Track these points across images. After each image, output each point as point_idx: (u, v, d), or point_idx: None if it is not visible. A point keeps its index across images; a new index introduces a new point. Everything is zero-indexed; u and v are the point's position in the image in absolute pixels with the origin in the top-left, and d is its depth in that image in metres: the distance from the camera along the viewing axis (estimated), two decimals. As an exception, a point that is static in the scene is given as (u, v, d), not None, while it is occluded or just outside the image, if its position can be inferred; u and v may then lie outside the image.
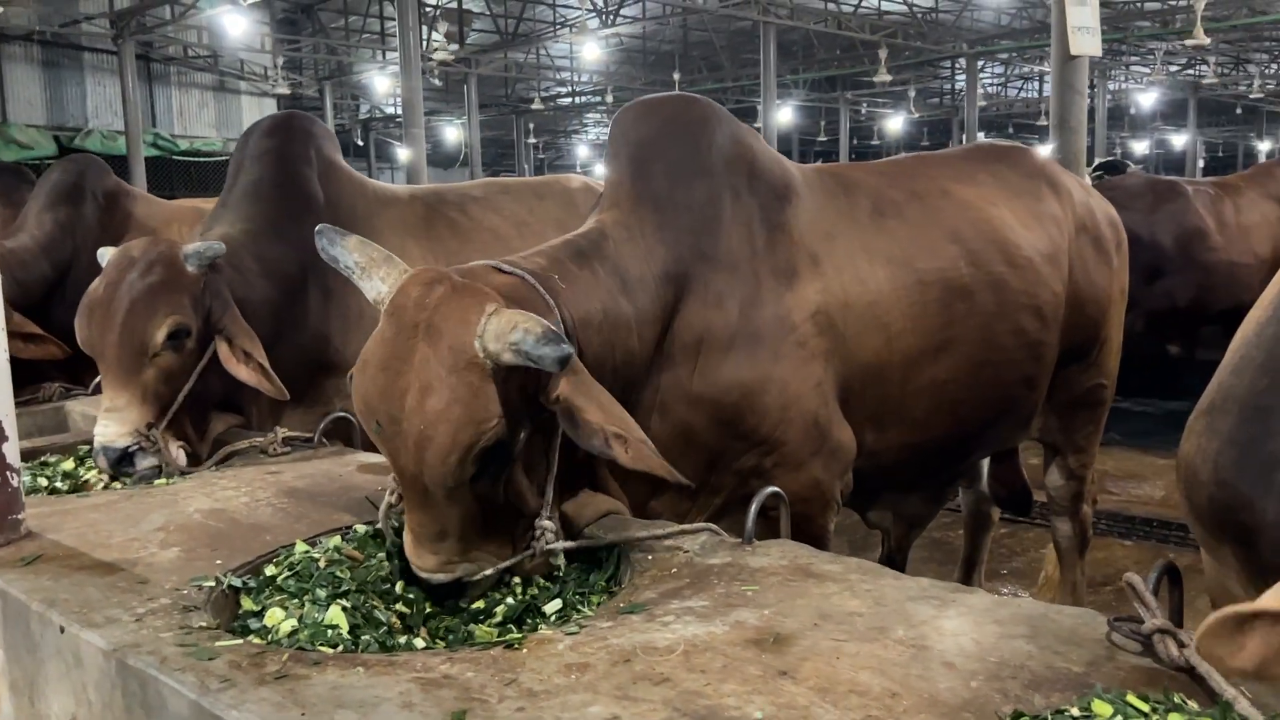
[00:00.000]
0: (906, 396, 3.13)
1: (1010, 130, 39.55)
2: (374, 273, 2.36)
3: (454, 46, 17.22)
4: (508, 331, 2.09)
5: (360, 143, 33.31)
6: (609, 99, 26.86)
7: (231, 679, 1.76)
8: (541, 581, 2.37)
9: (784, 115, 30.53)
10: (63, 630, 2.07)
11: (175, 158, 19.89)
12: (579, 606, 2.27)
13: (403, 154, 19.95)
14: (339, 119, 27.69)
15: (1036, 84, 35.05)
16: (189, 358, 3.47)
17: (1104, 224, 3.92)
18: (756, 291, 2.78)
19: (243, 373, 3.53)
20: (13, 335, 4.39)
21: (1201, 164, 38.47)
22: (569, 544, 2.36)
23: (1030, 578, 5.67)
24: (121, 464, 3.22)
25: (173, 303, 3.40)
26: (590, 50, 21.22)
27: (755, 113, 33.31)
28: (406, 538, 2.25)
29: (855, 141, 37.79)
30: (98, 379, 4.51)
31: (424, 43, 21.85)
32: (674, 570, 2.25)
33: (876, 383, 3.03)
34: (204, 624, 2.06)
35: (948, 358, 3.18)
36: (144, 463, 3.26)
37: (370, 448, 3.05)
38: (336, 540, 2.52)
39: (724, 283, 2.76)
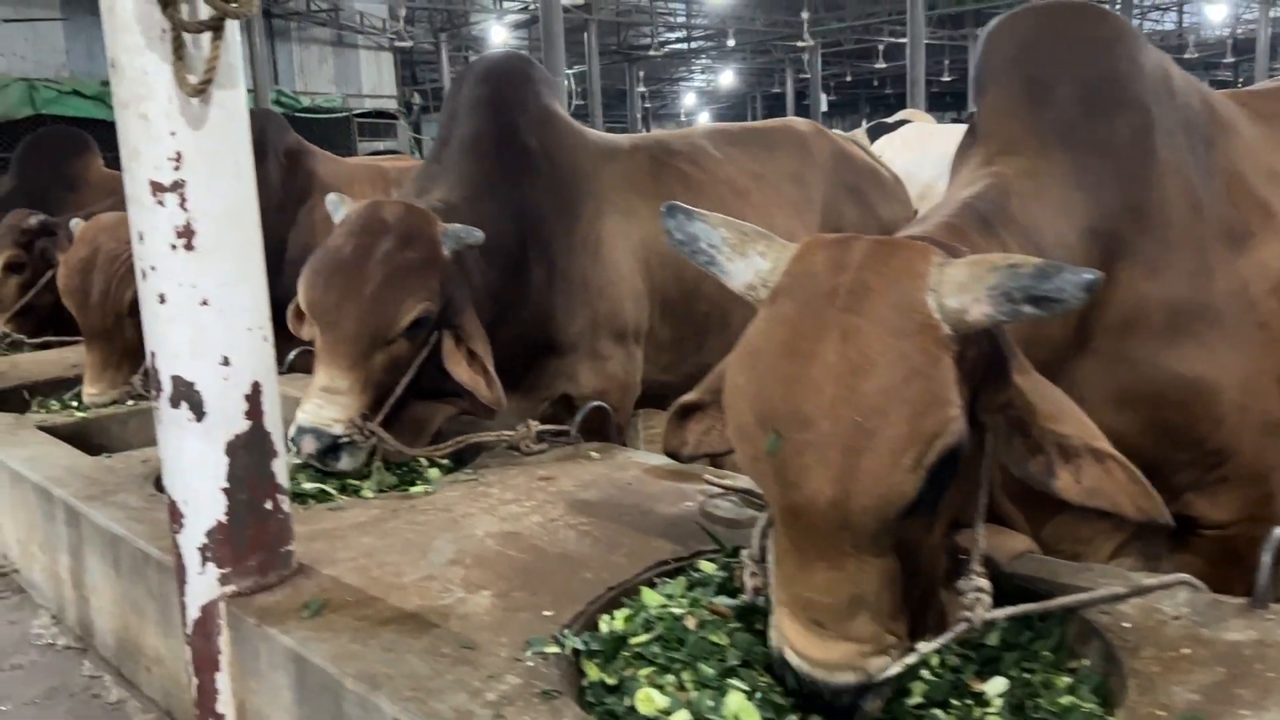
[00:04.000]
0: None
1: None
2: (749, 249, 1.77)
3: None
4: (983, 275, 1.51)
5: (471, 96, 32.82)
6: (730, 42, 25.90)
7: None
8: (955, 646, 1.80)
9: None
10: (399, 724, 1.59)
11: (297, 114, 19.74)
12: (1036, 693, 1.70)
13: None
14: (452, 71, 27.30)
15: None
16: (416, 349, 2.97)
17: None
18: (1202, 256, 2.13)
19: (464, 374, 2.99)
20: None
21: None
22: (1013, 610, 1.76)
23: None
24: (328, 455, 2.74)
25: (427, 286, 2.88)
26: (719, -10, 20.34)
27: (876, 53, 31.92)
28: (783, 618, 1.61)
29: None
30: (291, 354, 4.11)
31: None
32: (1184, 650, 1.65)
33: None
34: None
35: None
36: (349, 460, 2.78)
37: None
38: (682, 586, 2.00)
39: (1159, 245, 2.12)
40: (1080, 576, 1.94)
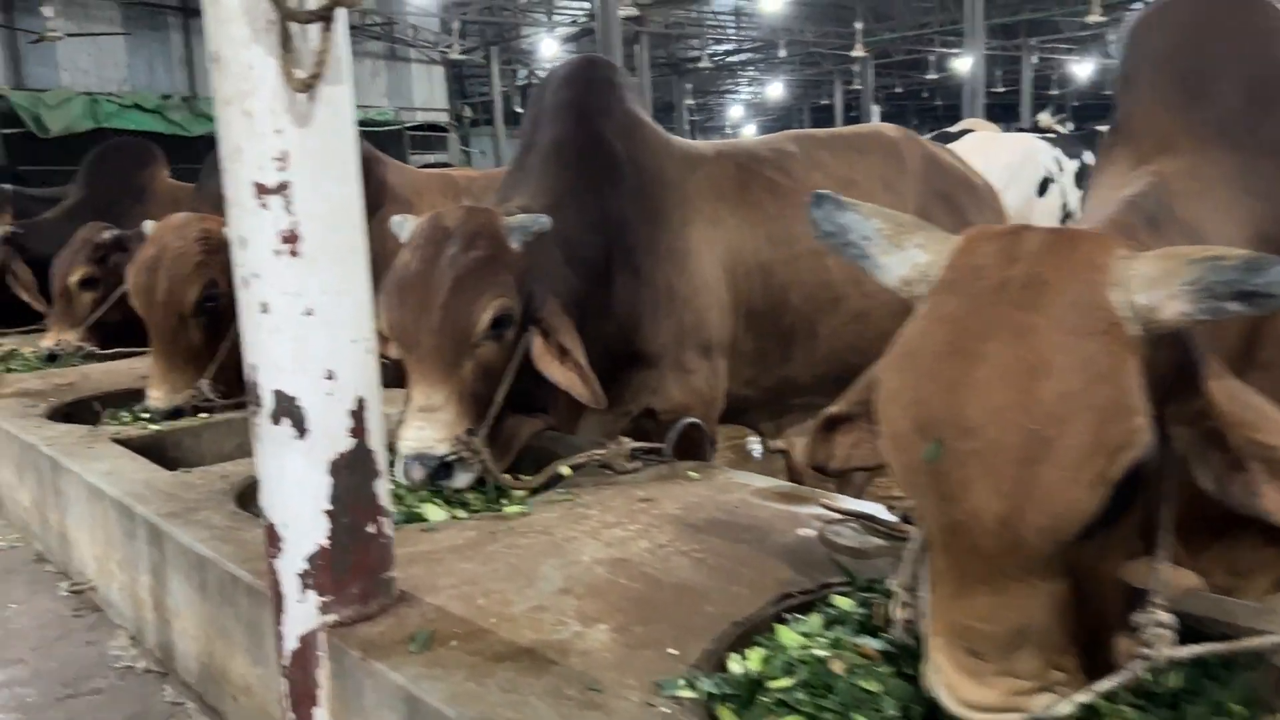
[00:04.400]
0: None
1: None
2: (906, 241, 1.61)
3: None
4: (1178, 269, 1.35)
5: (519, 109, 33.01)
6: (781, 53, 25.68)
7: None
8: (1129, 692, 1.61)
9: (962, 66, 28.71)
10: (529, 777, 1.44)
11: (350, 127, 19.86)
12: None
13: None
14: (503, 85, 27.38)
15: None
16: (506, 351, 2.86)
17: None
18: None
19: (557, 373, 2.90)
20: None
21: None
22: (1201, 649, 1.58)
23: None
24: (438, 476, 2.63)
25: (499, 282, 2.79)
26: (772, 2, 20.13)
27: (926, 64, 31.54)
28: (938, 651, 1.44)
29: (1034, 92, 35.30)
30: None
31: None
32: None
33: None
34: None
35: None
36: (463, 477, 2.68)
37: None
38: (819, 623, 1.83)
39: None
40: (1263, 619, 1.75)
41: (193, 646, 2.50)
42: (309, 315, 1.82)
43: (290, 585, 1.89)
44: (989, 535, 1.35)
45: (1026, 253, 1.44)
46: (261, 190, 1.77)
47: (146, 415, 3.98)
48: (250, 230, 1.80)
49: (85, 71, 16.52)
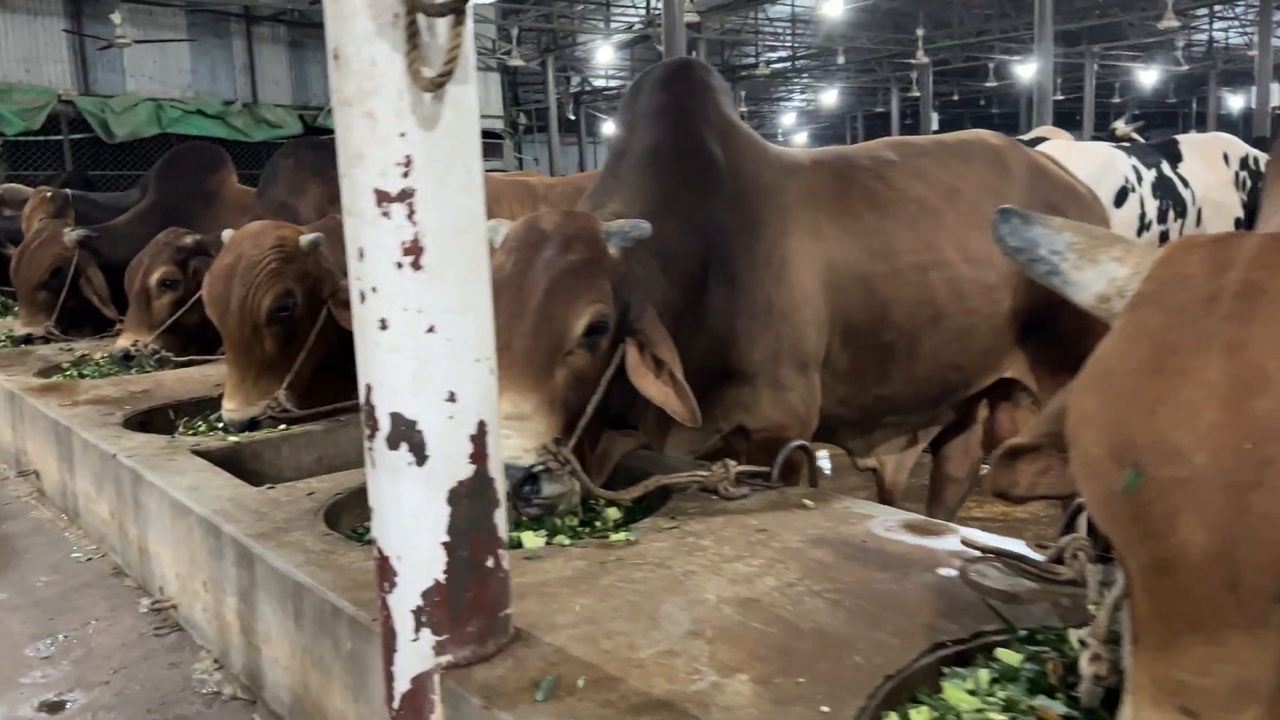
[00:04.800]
0: None
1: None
2: (1101, 255, 1.45)
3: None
4: None
5: (572, 116, 33.04)
6: (840, 59, 25.39)
7: None
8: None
9: (1024, 73, 28.21)
10: None
11: (408, 134, 19.93)
12: None
13: (608, 128, 19.32)
14: (557, 92, 27.36)
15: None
16: (599, 362, 2.72)
17: None
18: None
19: (652, 388, 2.75)
20: (344, 305, 3.79)
21: None
22: None
23: None
24: (524, 487, 2.48)
25: (596, 288, 2.66)
26: (833, 7, 19.88)
27: (983, 71, 31.02)
28: (1143, 707, 1.26)
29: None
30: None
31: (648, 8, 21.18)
32: None
33: None
34: None
35: None
36: (551, 488, 2.52)
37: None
38: (985, 680, 1.66)
39: None
40: None
41: (284, 676, 2.38)
42: (431, 333, 1.68)
43: (403, 622, 1.75)
44: (1200, 575, 1.18)
45: (1239, 261, 1.28)
46: (383, 198, 1.64)
47: (222, 426, 3.91)
48: (369, 241, 1.67)
49: (150, 78, 16.73)
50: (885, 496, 4.13)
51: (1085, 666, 1.49)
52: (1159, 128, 31.46)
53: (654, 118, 3.41)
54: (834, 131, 44.94)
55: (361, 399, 1.75)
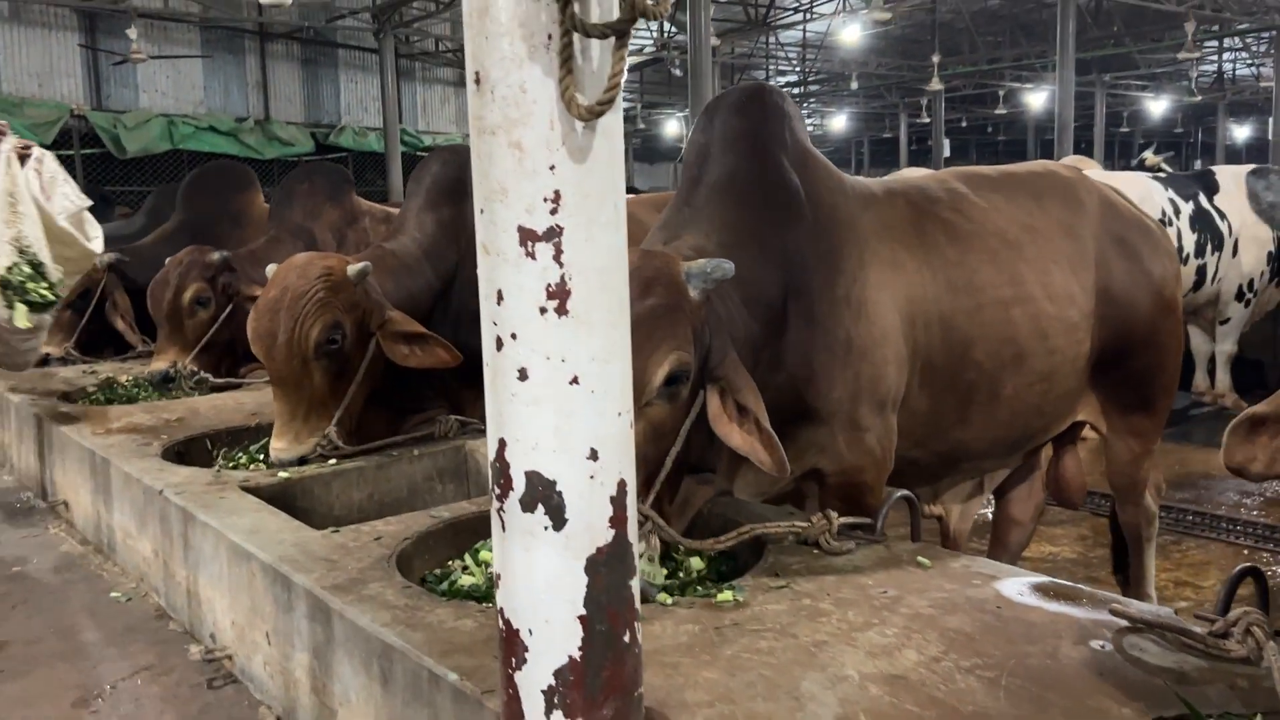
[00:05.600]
0: None
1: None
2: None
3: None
4: None
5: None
6: (854, 85, 25.34)
7: None
8: None
9: (1034, 101, 28.24)
10: None
11: (419, 154, 19.88)
12: None
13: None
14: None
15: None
16: (679, 412, 2.57)
17: None
18: None
19: (736, 437, 2.58)
20: (394, 336, 3.67)
21: None
22: None
23: None
24: None
25: (676, 335, 2.49)
26: (850, 34, 19.83)
27: (993, 99, 31.03)
28: None
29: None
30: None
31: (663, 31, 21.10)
32: None
33: None
34: None
35: None
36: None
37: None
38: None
39: None
40: None
41: (366, 744, 2.21)
42: (574, 384, 1.52)
43: (532, 704, 1.59)
44: None
45: None
46: (528, 237, 1.49)
47: (263, 458, 3.75)
48: (510, 283, 1.52)
49: (163, 93, 16.61)
50: (949, 544, 3.97)
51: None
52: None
53: (731, 144, 3.26)
54: (839, 156, 44.93)
55: (491, 455, 1.59)
